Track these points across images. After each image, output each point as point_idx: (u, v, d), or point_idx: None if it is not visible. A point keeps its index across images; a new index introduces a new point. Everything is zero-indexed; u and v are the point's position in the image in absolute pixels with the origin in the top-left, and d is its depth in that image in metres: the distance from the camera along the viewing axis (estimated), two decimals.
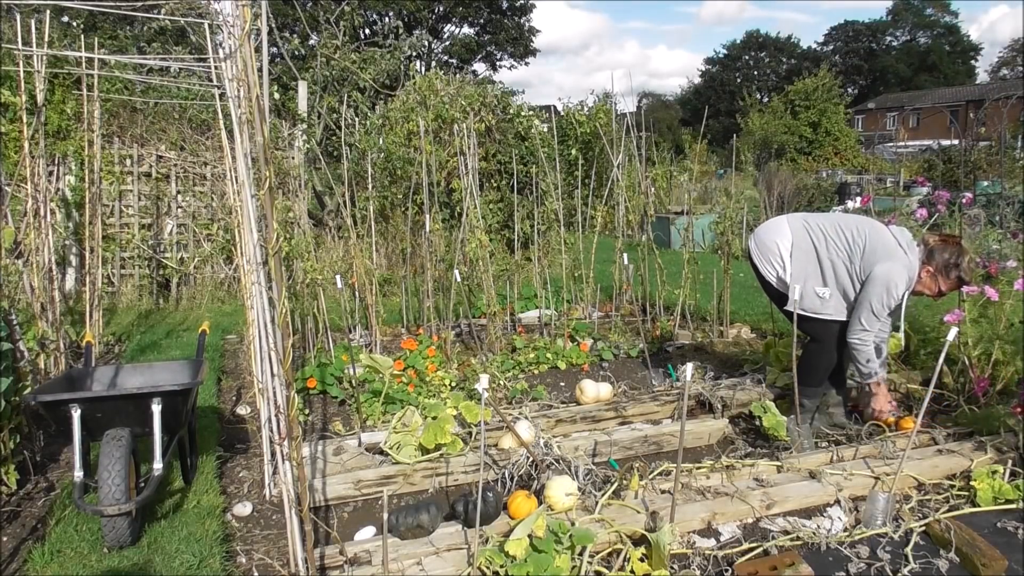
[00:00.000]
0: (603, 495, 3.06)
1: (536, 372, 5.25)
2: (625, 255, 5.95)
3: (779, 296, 3.89)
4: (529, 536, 2.58)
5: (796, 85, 36.35)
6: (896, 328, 4.04)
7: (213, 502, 3.20)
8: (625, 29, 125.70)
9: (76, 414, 2.87)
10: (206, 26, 4.20)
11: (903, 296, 3.61)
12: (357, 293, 5.83)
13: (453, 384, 4.77)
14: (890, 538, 2.87)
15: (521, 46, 37.00)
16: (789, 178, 16.44)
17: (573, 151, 11.30)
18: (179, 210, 7.98)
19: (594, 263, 6.68)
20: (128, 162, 7.76)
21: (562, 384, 5.01)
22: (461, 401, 3.83)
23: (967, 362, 4.01)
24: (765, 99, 46.95)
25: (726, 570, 2.67)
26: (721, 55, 61.35)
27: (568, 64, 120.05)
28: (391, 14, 27.21)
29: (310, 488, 3.05)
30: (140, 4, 4.58)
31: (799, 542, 2.83)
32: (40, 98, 4.51)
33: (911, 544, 2.79)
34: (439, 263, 6.05)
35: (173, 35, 12.47)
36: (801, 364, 3.81)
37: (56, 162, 7.28)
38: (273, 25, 10.48)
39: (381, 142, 8.74)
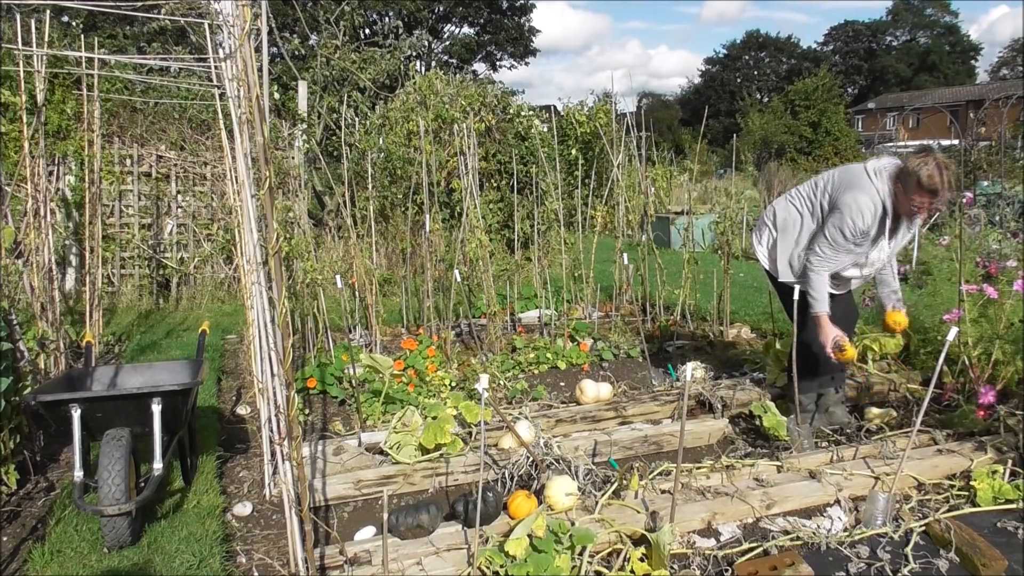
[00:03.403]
0: (603, 495, 3.06)
1: (536, 372, 5.25)
2: (625, 255, 5.94)
3: (789, 290, 3.81)
4: (529, 536, 2.58)
5: (796, 85, 36.40)
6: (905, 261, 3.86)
7: (213, 502, 3.20)
8: (626, 29, 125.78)
9: (76, 414, 2.87)
10: (206, 26, 4.20)
11: (878, 222, 3.47)
12: (357, 293, 5.83)
13: (453, 384, 4.77)
14: (890, 538, 2.87)
15: (521, 46, 36.97)
16: (789, 178, 16.46)
17: (573, 151, 11.31)
18: (179, 210, 7.98)
19: (594, 263, 6.68)
20: (128, 162, 7.76)
21: (562, 384, 5.01)
22: (461, 401, 3.83)
23: (967, 362, 4.01)
24: (765, 99, 47.00)
25: (726, 570, 2.67)
26: (721, 55, 61.37)
27: (569, 64, 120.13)
28: (391, 14, 27.19)
29: (310, 488, 3.05)
30: (140, 4, 4.57)
31: (799, 542, 2.83)
32: (40, 98, 4.51)
33: (911, 544, 2.79)
34: (439, 263, 6.05)
35: (173, 35, 12.49)
36: (792, 361, 3.80)
37: (56, 162, 7.27)
38: (273, 25, 10.48)
39: (381, 142, 8.74)
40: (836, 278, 3.76)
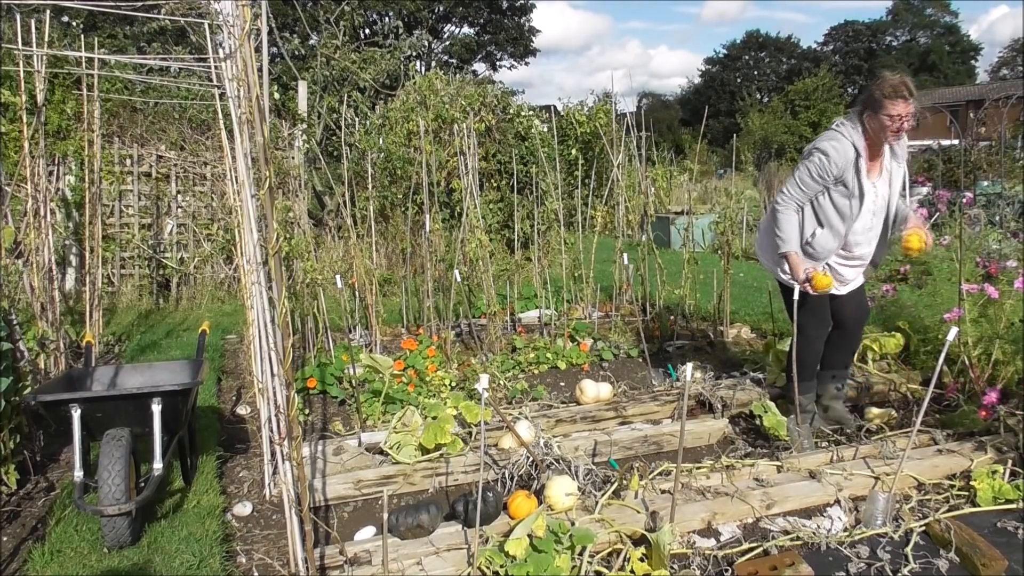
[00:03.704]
0: (603, 495, 3.06)
1: (536, 372, 5.25)
2: (625, 255, 5.95)
3: (791, 290, 3.77)
4: (529, 536, 2.58)
5: (796, 85, 36.43)
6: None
7: (213, 502, 3.20)
8: (627, 29, 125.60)
9: (76, 414, 2.87)
10: (206, 26, 4.20)
11: (853, 165, 3.45)
12: (357, 293, 5.83)
13: (453, 384, 4.77)
14: (890, 538, 2.87)
15: (521, 46, 36.96)
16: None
17: (573, 151, 11.31)
18: (179, 210, 7.98)
19: (594, 263, 6.68)
20: (128, 162, 7.76)
21: (562, 384, 5.01)
22: (461, 401, 3.83)
23: (967, 362, 4.01)
24: (765, 99, 47.01)
25: (726, 570, 2.67)
26: (721, 55, 61.34)
27: (570, 64, 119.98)
28: (391, 14, 27.20)
29: (310, 488, 3.05)
30: (140, 4, 4.58)
31: (799, 542, 2.83)
32: (40, 98, 4.51)
33: (911, 544, 2.79)
34: (439, 263, 6.05)
35: (173, 35, 12.50)
36: (791, 361, 3.80)
37: (56, 162, 7.28)
38: (273, 25, 10.49)
39: (381, 142, 8.74)
40: (844, 252, 3.68)
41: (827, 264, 3.72)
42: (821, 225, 3.63)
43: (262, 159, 2.21)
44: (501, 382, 4.82)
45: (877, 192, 3.58)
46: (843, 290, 3.77)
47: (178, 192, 7.97)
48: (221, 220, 7.98)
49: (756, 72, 60.03)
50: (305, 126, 7.92)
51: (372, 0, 27.22)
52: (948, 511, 3.04)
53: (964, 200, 4.97)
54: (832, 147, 3.45)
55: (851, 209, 3.54)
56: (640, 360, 5.37)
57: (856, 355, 4.80)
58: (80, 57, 5.03)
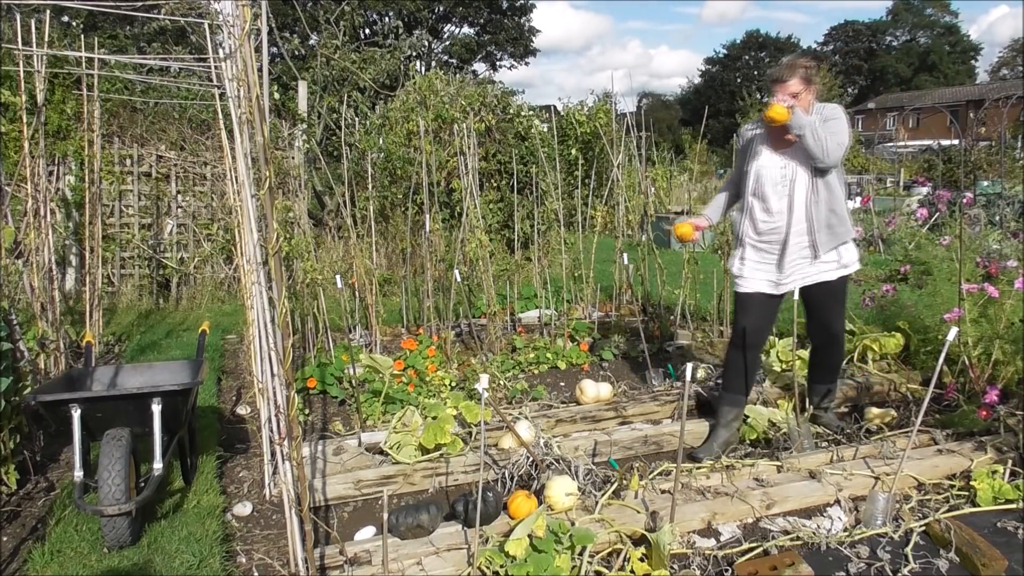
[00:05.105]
0: (603, 495, 3.06)
1: (536, 372, 5.25)
2: (625, 255, 5.94)
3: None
4: (529, 536, 2.58)
5: None
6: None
7: (213, 502, 3.20)
8: (627, 29, 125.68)
9: (76, 414, 2.87)
10: (206, 26, 4.20)
11: (756, 136, 3.66)
12: (357, 293, 5.83)
13: (453, 384, 4.77)
14: (890, 538, 2.87)
15: (521, 46, 36.93)
16: None
17: (573, 151, 11.29)
18: (179, 210, 7.98)
19: (594, 263, 6.68)
20: (128, 162, 7.76)
21: (562, 384, 5.01)
22: (461, 401, 3.83)
23: (967, 362, 4.01)
24: (765, 99, 46.97)
25: (726, 570, 2.67)
26: (721, 55, 61.36)
27: (571, 64, 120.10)
28: (391, 14, 27.19)
29: (310, 488, 3.05)
30: (140, 4, 4.58)
31: (799, 542, 2.83)
32: (40, 98, 4.51)
33: (911, 544, 2.79)
34: (439, 263, 6.05)
35: (173, 35, 12.50)
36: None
37: (56, 162, 7.27)
38: (273, 25, 10.48)
39: (381, 142, 8.74)
40: (763, 219, 3.61)
41: (760, 243, 3.64)
42: (741, 209, 3.79)
43: (262, 159, 2.21)
44: (501, 382, 4.82)
45: (787, 163, 3.54)
46: (787, 281, 3.61)
47: (178, 192, 7.96)
48: (221, 220, 7.97)
49: (756, 72, 59.98)
50: (305, 126, 7.92)
51: (372, 0, 27.20)
52: (948, 511, 3.04)
53: (964, 200, 4.96)
54: (744, 128, 3.85)
55: (751, 176, 3.65)
56: (640, 360, 5.37)
57: (856, 355, 4.82)
58: (80, 57, 5.03)
